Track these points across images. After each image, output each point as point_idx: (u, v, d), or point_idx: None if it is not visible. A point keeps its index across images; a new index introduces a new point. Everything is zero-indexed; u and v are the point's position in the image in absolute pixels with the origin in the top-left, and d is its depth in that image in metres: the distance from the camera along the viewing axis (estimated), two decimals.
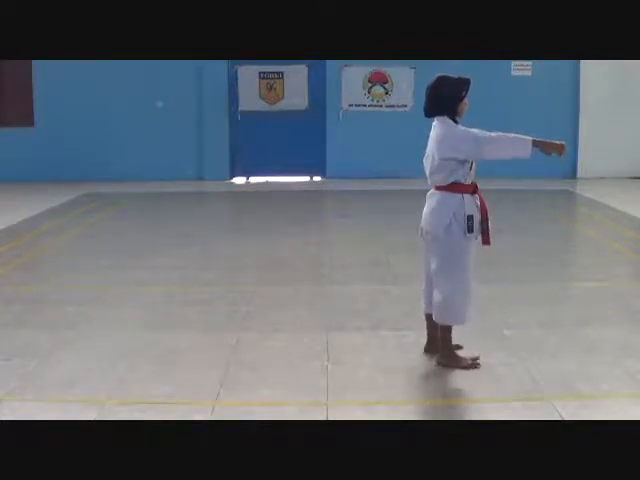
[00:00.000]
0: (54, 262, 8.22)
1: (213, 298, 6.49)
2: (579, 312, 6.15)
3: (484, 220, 4.77)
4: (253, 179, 14.25)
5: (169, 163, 13.80)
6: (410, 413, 4.35)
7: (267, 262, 7.83)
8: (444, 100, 4.76)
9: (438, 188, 4.82)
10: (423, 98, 4.84)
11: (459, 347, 5.00)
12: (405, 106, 13.75)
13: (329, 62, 13.52)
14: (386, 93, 13.90)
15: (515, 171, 11.89)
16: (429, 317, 5.00)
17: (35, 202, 11.46)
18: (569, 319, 5.97)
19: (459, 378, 4.73)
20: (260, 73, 13.82)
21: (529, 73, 13.70)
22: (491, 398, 4.46)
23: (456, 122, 4.78)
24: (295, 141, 13.95)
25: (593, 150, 13.65)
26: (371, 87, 13.89)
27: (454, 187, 4.76)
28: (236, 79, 13.88)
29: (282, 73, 13.82)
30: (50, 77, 13.49)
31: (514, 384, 4.61)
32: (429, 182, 4.90)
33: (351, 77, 13.79)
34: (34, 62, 13.43)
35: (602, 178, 13.53)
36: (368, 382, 4.66)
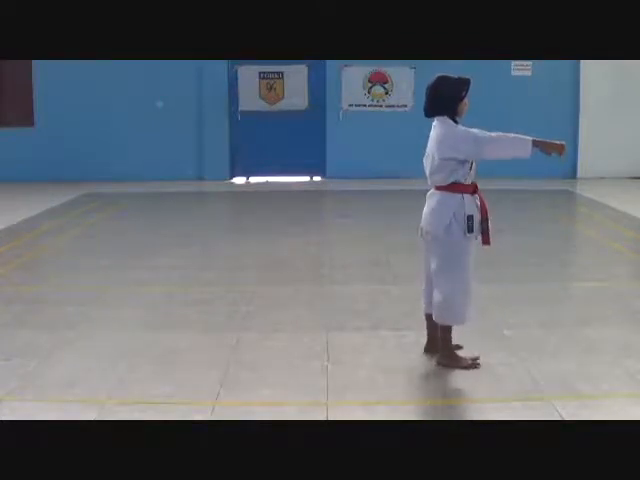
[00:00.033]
0: (54, 262, 8.22)
1: (213, 298, 6.49)
2: (579, 312, 6.15)
3: (484, 220, 4.77)
4: (253, 179, 14.25)
5: (169, 163, 13.80)
6: (410, 413, 4.35)
7: (267, 262, 7.83)
8: (444, 100, 4.76)
9: (438, 188, 4.82)
10: (423, 98, 4.84)
11: (459, 347, 5.00)
12: (405, 106, 13.75)
13: (329, 62, 13.52)
14: (386, 93, 13.90)
15: (515, 171, 11.89)
16: (429, 317, 5.00)
17: (35, 202, 11.46)
18: (569, 319, 5.97)
19: (459, 378, 4.73)
20: (260, 73, 13.82)
21: (529, 73, 13.70)
22: (491, 398, 4.46)
23: (456, 122, 4.78)
24: (295, 141, 13.96)
25: (593, 150, 13.65)
26: (371, 87, 13.89)
27: (454, 187, 4.76)
28: (236, 79, 13.88)
29: (282, 73, 13.82)
30: (50, 77, 13.49)
31: (514, 384, 4.61)
32: (429, 182, 4.90)
33: (351, 77, 13.79)
34: (34, 62, 13.43)
35: (602, 178, 13.53)
36: (368, 382, 4.66)
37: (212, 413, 4.25)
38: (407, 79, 13.64)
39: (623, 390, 4.55)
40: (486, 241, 4.79)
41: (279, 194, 12.83)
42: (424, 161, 4.91)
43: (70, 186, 12.93)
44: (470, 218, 4.72)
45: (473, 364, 4.85)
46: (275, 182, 14.01)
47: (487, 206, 4.80)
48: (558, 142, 4.67)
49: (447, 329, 4.88)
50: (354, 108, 13.90)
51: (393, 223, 9.65)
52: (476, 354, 4.92)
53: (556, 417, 4.15)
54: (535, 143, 4.63)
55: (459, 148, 4.69)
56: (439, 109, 4.78)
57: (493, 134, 4.68)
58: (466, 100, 4.78)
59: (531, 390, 4.53)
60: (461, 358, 4.88)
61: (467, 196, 4.76)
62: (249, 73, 13.81)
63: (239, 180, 14.19)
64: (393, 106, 13.88)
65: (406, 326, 5.62)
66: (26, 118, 13.81)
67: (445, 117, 4.77)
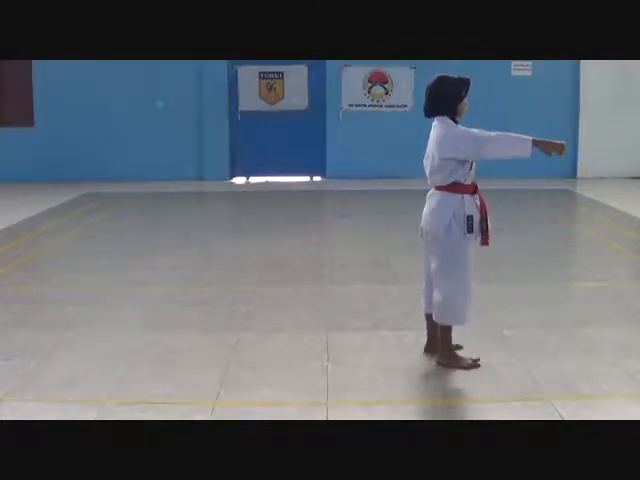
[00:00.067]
0: (54, 262, 8.22)
1: (213, 298, 6.49)
2: (579, 312, 6.15)
3: (483, 220, 4.76)
4: (253, 179, 14.25)
5: (169, 163, 13.80)
6: (410, 413, 4.35)
7: (267, 262, 7.83)
8: (444, 100, 4.76)
9: (438, 188, 4.82)
10: (423, 98, 4.84)
11: (459, 347, 5.00)
12: (405, 106, 13.75)
13: (329, 62, 13.52)
14: (386, 93, 13.89)
15: (515, 171, 11.90)
16: (429, 317, 5.00)
17: (35, 202, 11.46)
18: (569, 319, 5.97)
19: (459, 378, 4.73)
20: (260, 73, 13.82)
21: (529, 73, 13.70)
22: (491, 398, 4.46)
23: (456, 122, 4.78)
24: (295, 141, 13.95)
25: (593, 150, 13.65)
26: (371, 87, 13.89)
27: (454, 187, 4.76)
28: (236, 79, 13.88)
29: (282, 73, 13.82)
30: (50, 77, 13.49)
31: (514, 384, 4.61)
32: (429, 182, 4.90)
33: (351, 77, 13.79)
34: (34, 62, 13.43)
35: (602, 178, 13.53)
36: (368, 382, 4.66)
37: (212, 413, 4.25)
38: (407, 79, 13.64)
39: (623, 390, 4.55)
40: (485, 241, 4.79)
41: (279, 194, 12.83)
42: (424, 161, 4.91)
43: (70, 186, 12.93)
44: (470, 218, 4.72)
45: (473, 364, 4.85)
46: (275, 182, 14.01)
47: (487, 206, 4.80)
48: (558, 141, 4.67)
49: (447, 329, 4.88)
50: (354, 108, 13.90)
51: (393, 223, 9.65)
52: (475, 357, 4.91)
53: (556, 417, 4.15)
54: (535, 143, 4.63)
55: (459, 148, 4.69)
56: (439, 109, 4.78)
57: (493, 134, 4.68)
58: (466, 100, 4.78)
59: (531, 390, 4.53)
60: (461, 358, 4.88)
61: (467, 196, 4.76)
62: (249, 73, 13.81)
63: (239, 180, 14.19)
64: (393, 106, 13.88)
65: (406, 326, 5.62)
66: (26, 118, 13.81)
67: (445, 117, 4.77)
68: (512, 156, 4.75)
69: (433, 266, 4.87)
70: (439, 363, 4.88)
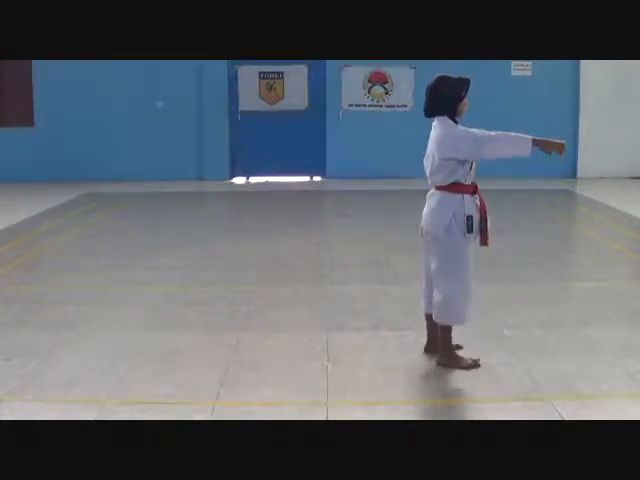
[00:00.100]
0: (54, 262, 8.22)
1: (213, 298, 6.49)
2: (579, 312, 6.15)
3: (482, 220, 4.76)
4: (253, 179, 14.25)
5: (169, 163, 13.81)
6: (410, 413, 4.35)
7: (267, 262, 7.83)
8: (444, 100, 4.76)
9: (438, 188, 4.82)
10: (423, 98, 4.84)
11: (459, 347, 5.00)
12: (405, 106, 13.75)
13: (329, 62, 13.52)
14: (386, 93, 13.89)
15: (515, 171, 11.91)
16: (429, 317, 5.00)
17: (35, 202, 11.46)
18: (569, 319, 5.97)
19: (459, 378, 4.73)
20: (260, 73, 13.82)
21: (529, 73, 13.70)
22: (491, 398, 4.46)
23: (456, 122, 4.78)
24: (295, 141, 13.95)
25: (593, 150, 13.65)
26: (371, 87, 13.89)
27: (454, 187, 4.76)
28: (236, 79, 13.88)
29: (282, 73, 13.82)
30: (50, 77, 13.49)
31: (514, 384, 4.61)
32: (429, 182, 4.90)
33: (351, 77, 13.79)
34: (34, 62, 13.43)
35: (602, 178, 13.53)
36: (368, 382, 4.66)
37: (212, 413, 4.25)
38: (407, 79, 13.64)
39: (623, 390, 4.55)
40: (484, 242, 4.79)
41: (279, 194, 12.83)
42: (424, 161, 4.91)
43: (70, 186, 12.93)
44: (470, 218, 4.72)
45: (473, 364, 4.85)
46: (275, 182, 14.01)
47: (487, 206, 4.80)
48: (558, 141, 4.67)
49: (447, 329, 4.88)
50: (354, 108, 13.90)
51: (393, 223, 9.65)
52: (475, 357, 4.91)
53: (556, 417, 4.15)
54: (535, 142, 4.63)
55: (459, 148, 4.69)
56: (439, 109, 4.78)
57: (493, 133, 4.68)
58: (466, 100, 4.78)
59: (531, 390, 4.53)
60: (461, 358, 4.88)
61: (467, 196, 4.76)
62: (249, 73, 13.81)
63: (239, 180, 14.19)
64: (393, 106, 13.88)
65: (406, 326, 5.62)
66: (26, 118, 13.81)
67: (445, 117, 4.77)
68: (512, 155, 4.75)
69: (433, 266, 4.87)
70: (439, 363, 4.88)
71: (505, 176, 11.78)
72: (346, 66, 13.66)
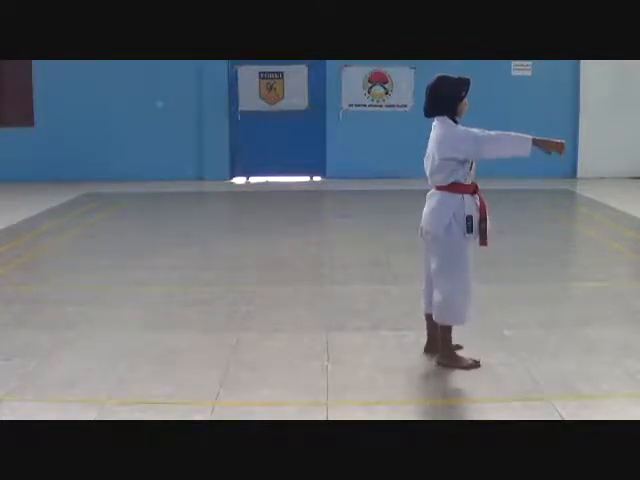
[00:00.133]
0: (54, 262, 8.22)
1: (213, 298, 6.49)
2: (579, 312, 6.15)
3: (482, 220, 4.76)
4: (253, 179, 14.25)
5: (169, 163, 13.81)
6: (410, 413, 4.35)
7: (267, 262, 7.83)
8: (444, 100, 4.76)
9: (438, 188, 4.82)
10: (423, 98, 4.84)
11: (459, 347, 5.00)
12: (405, 106, 13.75)
13: (329, 62, 13.52)
14: (386, 93, 13.90)
15: (515, 171, 11.91)
16: (429, 317, 5.00)
17: (35, 202, 11.46)
18: (569, 319, 5.97)
19: (459, 378, 4.73)
20: (260, 73, 13.82)
21: (529, 73, 13.70)
22: (491, 398, 4.46)
23: (456, 122, 4.78)
24: (295, 141, 13.96)
25: (593, 150, 13.66)
26: (371, 87, 13.89)
27: (454, 187, 4.75)
28: (236, 79, 13.88)
29: (282, 73, 13.82)
30: (50, 77, 13.49)
31: (514, 384, 4.61)
32: (429, 182, 4.90)
33: (351, 77, 13.79)
34: (34, 62, 13.43)
35: (602, 178, 13.53)
36: (368, 382, 4.66)
37: (212, 413, 4.25)
38: (407, 79, 13.64)
39: (623, 390, 4.55)
40: (483, 242, 4.79)
41: (279, 194, 12.83)
42: (424, 161, 4.91)
43: (70, 186, 12.93)
44: (469, 218, 4.72)
45: (473, 364, 4.85)
46: (275, 182, 14.01)
47: (487, 206, 4.80)
48: (558, 140, 4.67)
49: (447, 329, 4.88)
50: (354, 108, 13.90)
51: (393, 223, 9.65)
52: (476, 358, 4.91)
53: (556, 417, 4.14)
54: (535, 142, 4.63)
55: (459, 148, 4.69)
56: (439, 109, 4.78)
57: (493, 133, 4.68)
58: (466, 100, 4.78)
59: (531, 390, 4.53)
60: (461, 358, 4.88)
61: (467, 196, 4.76)
62: (249, 73, 13.81)
63: (239, 180, 14.19)
64: (393, 106, 13.88)
65: (406, 326, 5.62)
66: (26, 118, 13.81)
67: (445, 117, 4.77)
68: (512, 155, 4.75)
69: (433, 266, 4.87)
70: (439, 363, 4.88)
71: (505, 176, 11.78)
72: (346, 66, 13.67)
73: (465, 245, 4.78)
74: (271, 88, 13.92)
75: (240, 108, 13.93)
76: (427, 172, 4.88)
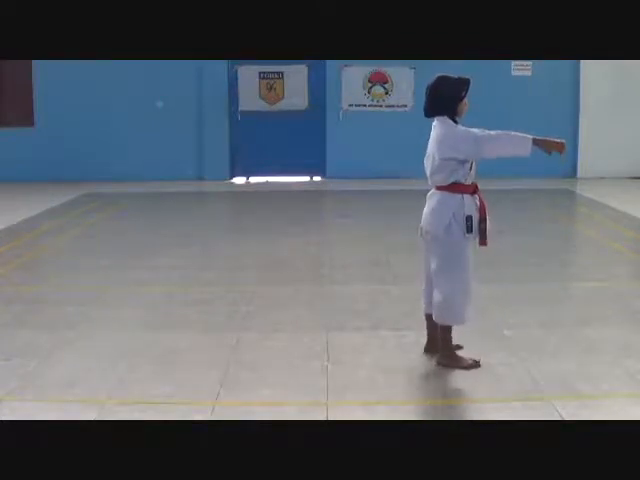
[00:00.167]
0: (54, 262, 8.22)
1: (213, 298, 6.49)
2: (579, 312, 6.15)
3: (482, 220, 4.76)
4: (253, 179, 14.25)
5: (169, 163, 13.81)
6: (410, 413, 4.35)
7: (267, 262, 7.83)
8: (444, 100, 4.76)
9: (438, 188, 4.82)
10: (423, 98, 4.84)
11: (459, 347, 5.00)
12: (405, 106, 13.75)
13: (329, 62, 13.52)
14: (386, 93, 13.90)
15: (515, 171, 11.91)
16: (429, 317, 5.00)
17: (35, 202, 11.46)
18: (569, 319, 5.97)
19: (459, 378, 4.73)
20: (260, 73, 13.82)
21: (529, 73, 13.70)
22: (491, 398, 4.46)
23: (456, 122, 4.78)
24: (295, 141, 13.96)
25: (593, 150, 13.66)
26: (371, 87, 13.89)
27: (454, 187, 4.75)
28: (236, 79, 13.88)
29: (282, 73, 13.82)
30: (50, 77, 13.49)
31: (514, 384, 4.61)
32: (429, 182, 4.90)
33: (351, 77, 13.79)
34: (34, 62, 13.43)
35: (602, 178, 13.53)
36: (368, 382, 4.66)
37: (212, 413, 4.25)
38: (407, 79, 13.64)
39: (623, 390, 4.55)
40: (483, 242, 4.79)
41: (279, 194, 12.83)
42: (424, 161, 4.91)
43: (70, 186, 12.93)
44: (469, 218, 4.72)
45: (473, 364, 4.85)
46: (275, 182, 14.01)
47: (487, 206, 4.80)
48: (558, 140, 4.67)
49: (447, 329, 4.88)
50: (354, 108, 13.89)
51: (393, 223, 9.65)
52: (476, 358, 4.91)
53: (556, 417, 4.14)
54: (535, 141, 4.63)
55: (459, 148, 4.69)
56: (439, 109, 4.78)
57: (493, 132, 4.68)
58: (466, 100, 4.78)
59: (531, 390, 4.53)
60: (461, 358, 4.88)
61: (467, 196, 4.76)
62: (249, 73, 13.81)
63: (239, 180, 14.19)
64: (393, 106, 13.88)
65: (406, 326, 5.62)
66: (26, 118, 13.81)
67: (445, 117, 4.77)
68: (512, 155, 4.75)
69: (433, 266, 4.87)
70: (439, 363, 4.88)
71: (505, 176, 11.78)
72: (346, 66, 13.67)
73: (465, 245, 4.78)
74: (271, 88, 13.92)
75: (240, 108, 13.93)
76: (427, 172, 4.88)
